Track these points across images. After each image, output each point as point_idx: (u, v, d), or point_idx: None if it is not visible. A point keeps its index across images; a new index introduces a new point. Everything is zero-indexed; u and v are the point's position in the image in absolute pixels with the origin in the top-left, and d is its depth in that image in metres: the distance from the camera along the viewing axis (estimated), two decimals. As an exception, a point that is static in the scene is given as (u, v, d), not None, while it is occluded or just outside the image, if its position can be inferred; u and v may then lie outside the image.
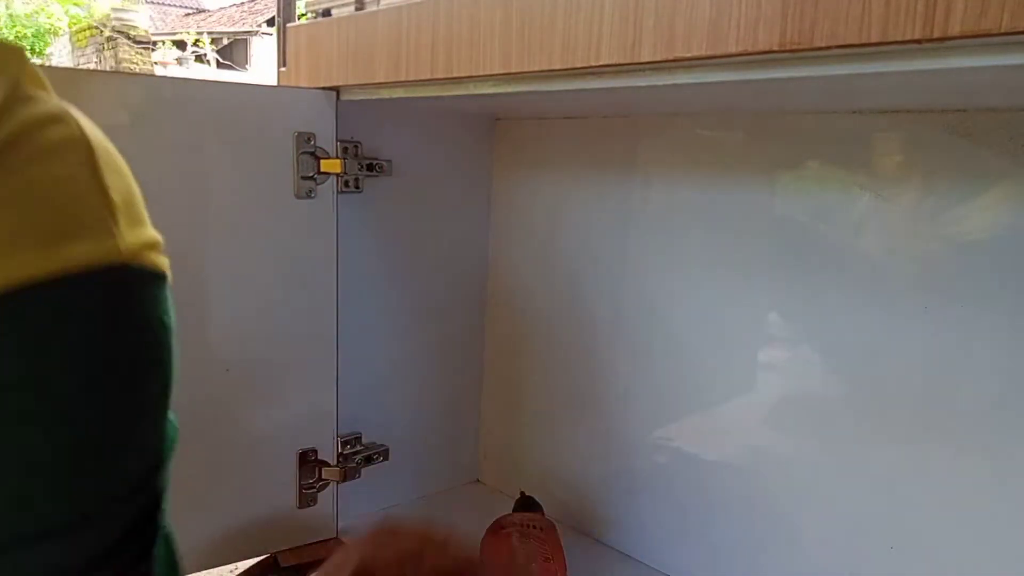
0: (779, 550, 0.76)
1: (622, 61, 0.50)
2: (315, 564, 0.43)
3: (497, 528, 0.79)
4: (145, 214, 0.30)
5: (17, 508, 0.26)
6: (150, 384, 0.29)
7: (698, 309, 0.80)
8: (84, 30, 7.80)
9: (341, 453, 0.88)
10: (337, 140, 0.81)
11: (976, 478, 0.62)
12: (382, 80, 0.71)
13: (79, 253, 0.26)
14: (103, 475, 0.28)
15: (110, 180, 0.28)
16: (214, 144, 0.74)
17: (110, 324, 0.27)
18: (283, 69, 0.85)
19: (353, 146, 0.83)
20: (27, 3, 8.29)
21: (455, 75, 0.63)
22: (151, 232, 0.30)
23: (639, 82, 0.52)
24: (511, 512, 0.84)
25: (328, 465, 0.87)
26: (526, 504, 0.87)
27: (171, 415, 0.32)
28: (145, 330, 0.28)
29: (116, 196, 0.28)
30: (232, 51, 10.34)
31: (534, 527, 0.79)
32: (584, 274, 0.92)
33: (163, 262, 0.30)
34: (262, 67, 9.65)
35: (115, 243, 0.27)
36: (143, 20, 7.61)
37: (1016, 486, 0.60)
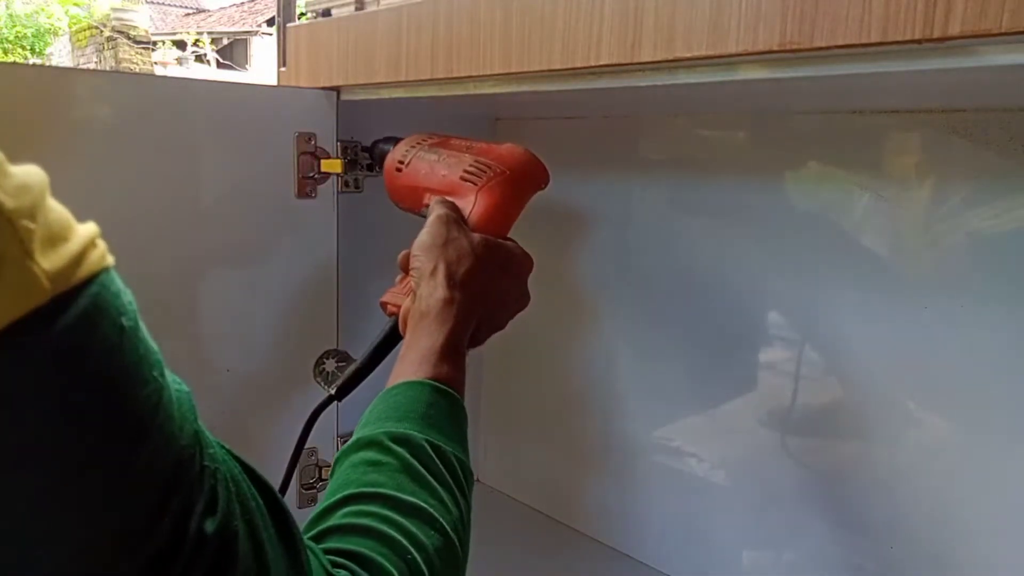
0: (779, 550, 0.76)
1: (622, 61, 0.50)
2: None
3: None
4: (62, 213, 0.24)
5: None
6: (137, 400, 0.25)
7: (698, 308, 0.80)
8: (84, 30, 7.81)
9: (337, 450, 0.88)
10: (338, 140, 0.81)
11: (977, 477, 0.62)
12: (382, 80, 0.71)
13: None
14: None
15: None
16: (214, 144, 0.74)
17: (67, 370, 0.23)
18: (283, 69, 0.85)
19: (353, 146, 0.83)
20: (27, 3, 8.29)
21: (455, 75, 0.63)
22: (79, 237, 0.24)
23: (639, 82, 0.52)
24: None
25: (328, 465, 0.87)
26: None
27: (173, 380, 0.28)
28: (110, 356, 0.24)
29: (16, 217, 0.21)
30: (232, 51, 10.34)
31: None
32: (584, 273, 0.92)
33: (98, 260, 0.24)
34: (262, 67, 9.66)
35: (35, 278, 0.21)
36: (143, 20, 7.62)
37: (1016, 486, 0.60)
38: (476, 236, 0.56)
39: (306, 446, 0.62)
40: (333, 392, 0.60)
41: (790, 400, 0.74)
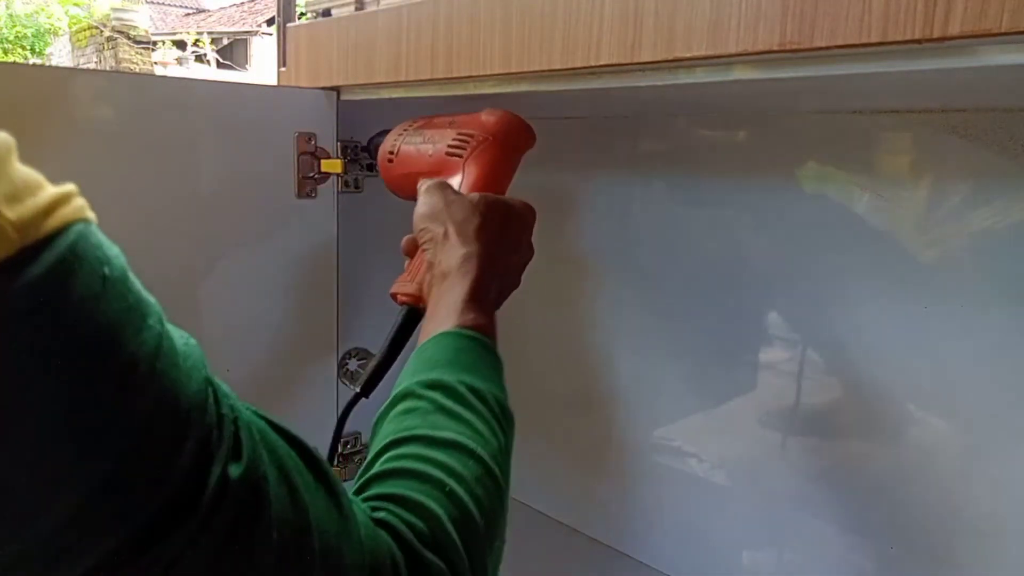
0: (779, 550, 0.76)
1: (622, 61, 0.50)
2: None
3: None
4: (31, 175, 0.24)
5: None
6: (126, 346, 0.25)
7: (697, 309, 0.80)
8: (84, 30, 7.81)
9: (341, 453, 0.88)
10: (338, 140, 0.81)
11: (977, 477, 0.62)
12: (382, 80, 0.71)
13: None
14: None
15: None
16: (214, 144, 0.74)
17: (45, 319, 0.22)
18: (283, 69, 0.85)
19: (353, 146, 0.83)
20: (27, 3, 8.29)
21: (455, 75, 0.63)
22: (49, 191, 0.24)
23: (639, 82, 0.52)
24: None
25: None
26: None
27: (180, 334, 0.28)
28: (91, 303, 0.24)
29: None
30: (232, 51, 10.34)
31: None
32: (584, 273, 0.92)
33: (73, 213, 0.24)
34: (262, 67, 9.65)
35: (2, 231, 0.22)
36: (143, 20, 7.62)
37: (1017, 486, 0.60)
38: (474, 194, 0.57)
39: (342, 437, 0.63)
40: (359, 390, 0.60)
41: (790, 400, 0.74)
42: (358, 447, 0.90)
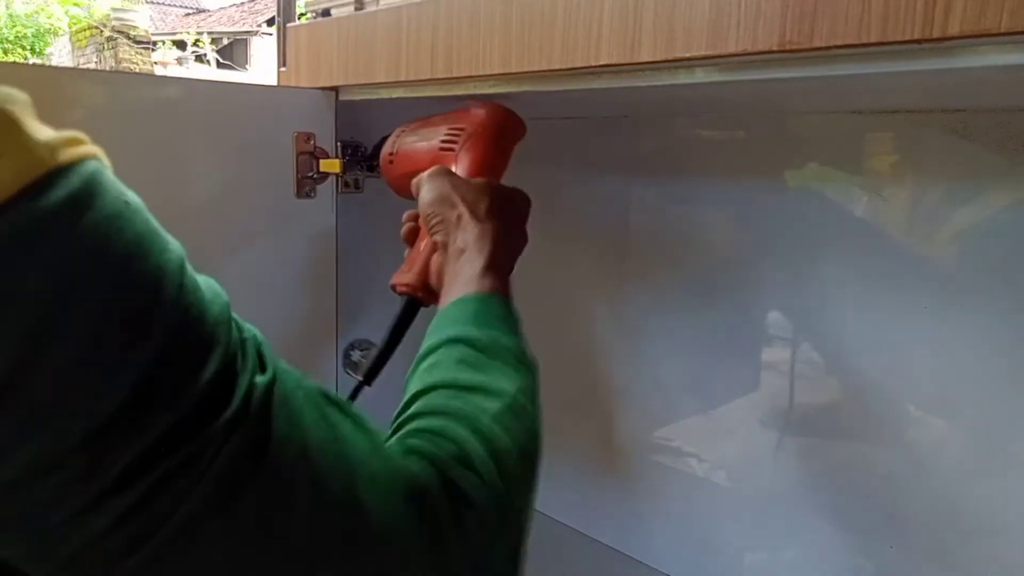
0: (779, 550, 0.76)
1: (622, 61, 0.50)
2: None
3: None
4: (41, 124, 0.26)
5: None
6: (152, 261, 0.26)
7: (698, 307, 0.80)
8: (84, 30, 7.81)
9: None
10: (337, 140, 0.81)
11: (976, 477, 0.62)
12: (382, 80, 0.71)
13: (1, 179, 0.23)
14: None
15: None
16: (213, 144, 0.74)
17: (80, 228, 0.24)
18: (283, 69, 0.85)
19: (353, 146, 0.83)
20: (27, 3, 8.29)
21: (455, 75, 0.63)
22: (65, 131, 0.27)
23: (639, 82, 0.52)
24: None
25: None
26: None
27: (205, 281, 0.30)
28: (119, 219, 0.26)
29: (1, 103, 0.24)
30: (232, 51, 10.34)
31: None
32: (583, 273, 0.92)
33: (91, 150, 0.27)
34: (262, 67, 9.65)
35: (36, 152, 0.24)
36: (143, 20, 7.62)
37: (1016, 486, 0.60)
38: (478, 179, 0.58)
39: None
40: (362, 379, 0.61)
41: (790, 400, 0.74)
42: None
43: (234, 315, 0.30)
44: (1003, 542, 0.61)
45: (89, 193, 0.25)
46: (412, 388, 0.43)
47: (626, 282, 0.87)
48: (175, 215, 0.77)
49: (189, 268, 0.28)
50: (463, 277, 0.51)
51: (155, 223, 0.28)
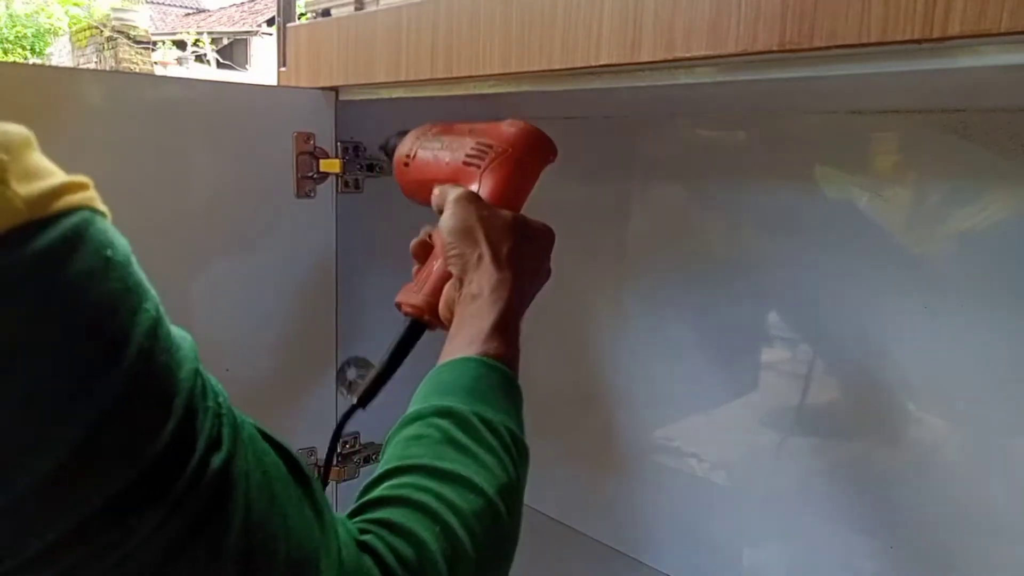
0: (779, 550, 0.76)
1: (622, 61, 0.50)
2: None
3: None
4: (48, 164, 0.26)
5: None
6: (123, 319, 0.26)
7: (698, 307, 0.80)
8: (84, 30, 7.80)
9: (340, 453, 0.88)
10: (337, 140, 0.81)
11: (976, 476, 0.62)
12: (382, 80, 0.71)
13: None
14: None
15: None
16: (213, 144, 0.74)
17: (46, 286, 0.24)
18: (283, 69, 0.85)
19: (353, 146, 0.83)
20: (27, 3, 8.29)
21: (455, 75, 0.63)
22: (61, 177, 0.26)
23: (639, 82, 0.52)
24: None
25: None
26: None
27: (177, 329, 0.29)
28: (93, 279, 0.25)
29: None
30: (232, 51, 10.34)
31: None
32: (584, 273, 0.92)
33: (83, 200, 0.26)
34: (262, 67, 9.65)
35: (9, 200, 0.23)
36: (143, 20, 7.62)
37: (1016, 486, 0.60)
38: (506, 212, 0.55)
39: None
40: (355, 402, 0.58)
41: (791, 400, 0.74)
42: (357, 447, 0.90)
43: (204, 374, 0.29)
44: (1003, 542, 0.61)
45: (66, 248, 0.24)
46: (391, 456, 0.40)
47: (626, 282, 0.87)
48: (175, 215, 0.77)
49: (162, 330, 0.27)
50: (470, 330, 0.49)
51: (135, 280, 0.27)
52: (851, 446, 0.70)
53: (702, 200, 0.79)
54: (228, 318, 0.78)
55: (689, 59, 0.46)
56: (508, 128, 0.60)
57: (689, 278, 0.81)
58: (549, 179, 0.84)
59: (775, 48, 0.42)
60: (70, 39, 8.25)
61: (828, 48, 0.40)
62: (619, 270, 0.88)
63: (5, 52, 8.10)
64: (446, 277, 0.55)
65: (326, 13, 0.82)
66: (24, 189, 0.24)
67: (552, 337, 0.95)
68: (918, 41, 0.37)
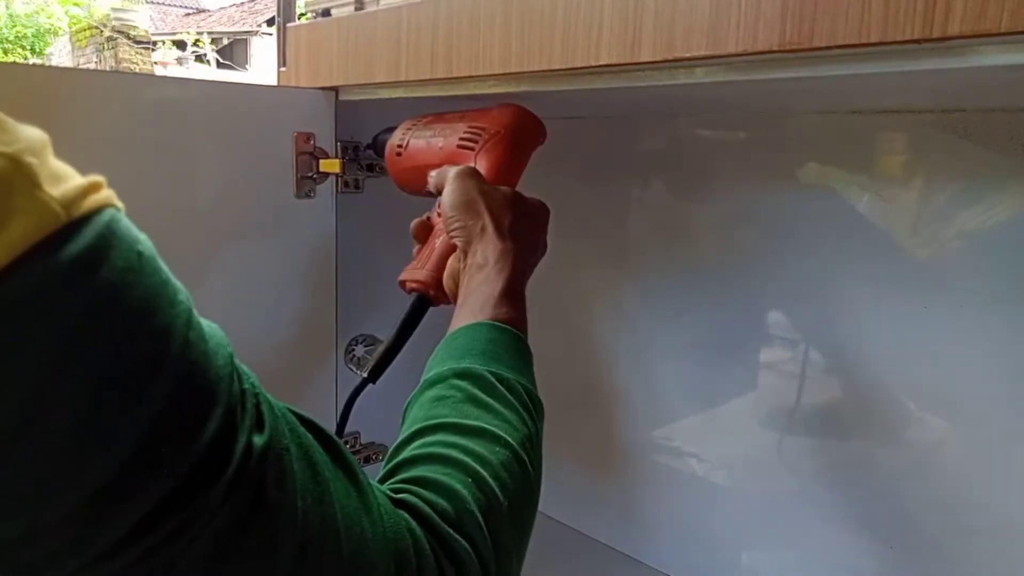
0: (779, 550, 0.76)
1: (622, 61, 0.50)
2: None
3: None
4: (65, 165, 0.25)
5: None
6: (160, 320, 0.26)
7: (697, 308, 0.80)
8: (84, 30, 7.81)
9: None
10: (337, 140, 0.81)
11: (977, 476, 0.62)
12: (382, 80, 0.71)
13: (13, 237, 0.22)
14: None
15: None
16: (213, 144, 0.74)
17: (92, 285, 0.24)
18: (283, 69, 0.85)
19: (353, 146, 0.83)
20: (27, 3, 8.29)
21: (455, 75, 0.63)
22: (81, 177, 0.25)
23: (639, 82, 0.52)
24: None
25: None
26: None
27: (209, 329, 0.29)
28: (131, 273, 0.25)
29: (22, 156, 0.23)
30: (232, 51, 10.34)
31: None
32: (584, 273, 0.92)
33: (106, 197, 0.26)
34: (262, 67, 9.65)
35: (47, 204, 0.23)
36: (143, 20, 7.62)
37: (1016, 486, 0.60)
38: (505, 188, 0.57)
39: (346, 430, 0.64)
40: (366, 375, 0.60)
41: (791, 400, 0.74)
42: (357, 447, 0.90)
43: (235, 362, 0.30)
44: (1003, 542, 0.61)
45: (103, 246, 0.24)
46: (415, 418, 0.42)
47: (626, 282, 0.87)
48: (174, 215, 0.77)
49: (195, 319, 0.28)
50: (479, 297, 0.50)
51: (165, 272, 0.27)
52: (851, 446, 0.70)
53: (702, 200, 0.79)
54: (227, 318, 0.77)
55: (689, 59, 0.46)
56: (499, 111, 0.62)
57: (689, 278, 0.81)
58: (549, 179, 0.84)
59: (775, 48, 0.42)
60: (70, 39, 8.25)
61: (828, 48, 0.40)
62: (619, 270, 0.88)
63: (5, 52, 8.10)
64: (449, 251, 0.57)
65: (326, 13, 0.82)
66: (57, 191, 0.24)
67: (552, 337, 0.95)
68: (918, 41, 0.37)
